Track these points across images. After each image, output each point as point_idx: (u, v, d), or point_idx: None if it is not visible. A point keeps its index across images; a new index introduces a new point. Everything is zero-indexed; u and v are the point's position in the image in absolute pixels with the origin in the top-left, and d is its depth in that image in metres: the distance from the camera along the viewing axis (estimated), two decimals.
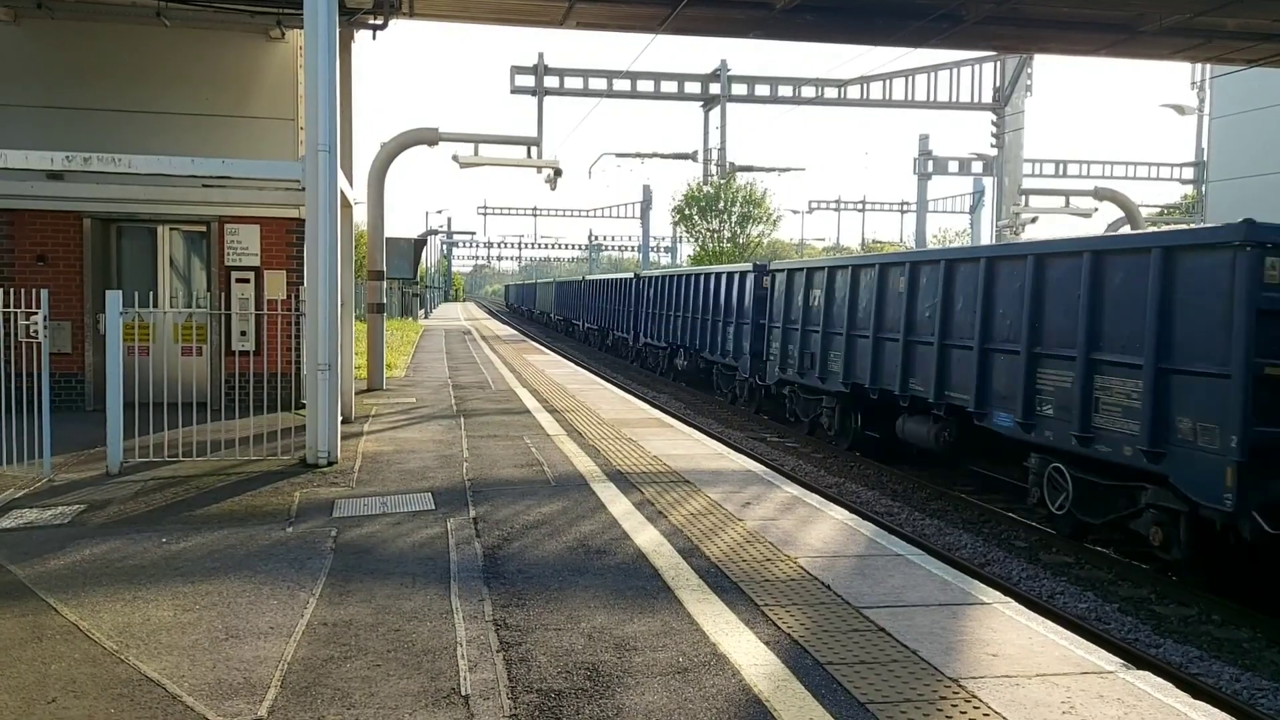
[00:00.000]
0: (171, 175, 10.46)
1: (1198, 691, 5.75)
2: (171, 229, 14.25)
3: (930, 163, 43.66)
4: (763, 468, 10.81)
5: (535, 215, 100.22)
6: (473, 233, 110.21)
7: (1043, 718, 4.35)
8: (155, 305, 12.29)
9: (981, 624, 5.60)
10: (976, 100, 32.48)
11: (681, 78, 30.11)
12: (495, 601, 5.84)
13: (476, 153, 18.37)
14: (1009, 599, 6.18)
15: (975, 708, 4.44)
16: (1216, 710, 4.60)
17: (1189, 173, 41.94)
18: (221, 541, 7.10)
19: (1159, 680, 4.89)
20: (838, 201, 77.83)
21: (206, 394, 13.61)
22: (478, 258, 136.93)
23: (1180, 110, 38.99)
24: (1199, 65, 33.83)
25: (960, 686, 4.67)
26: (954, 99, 32.21)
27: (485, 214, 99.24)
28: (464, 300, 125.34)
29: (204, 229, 14.05)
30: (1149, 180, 42.39)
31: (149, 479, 9.21)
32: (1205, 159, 33.22)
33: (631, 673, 4.78)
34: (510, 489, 9.05)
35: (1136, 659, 6.65)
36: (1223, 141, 26.47)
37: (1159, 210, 46.06)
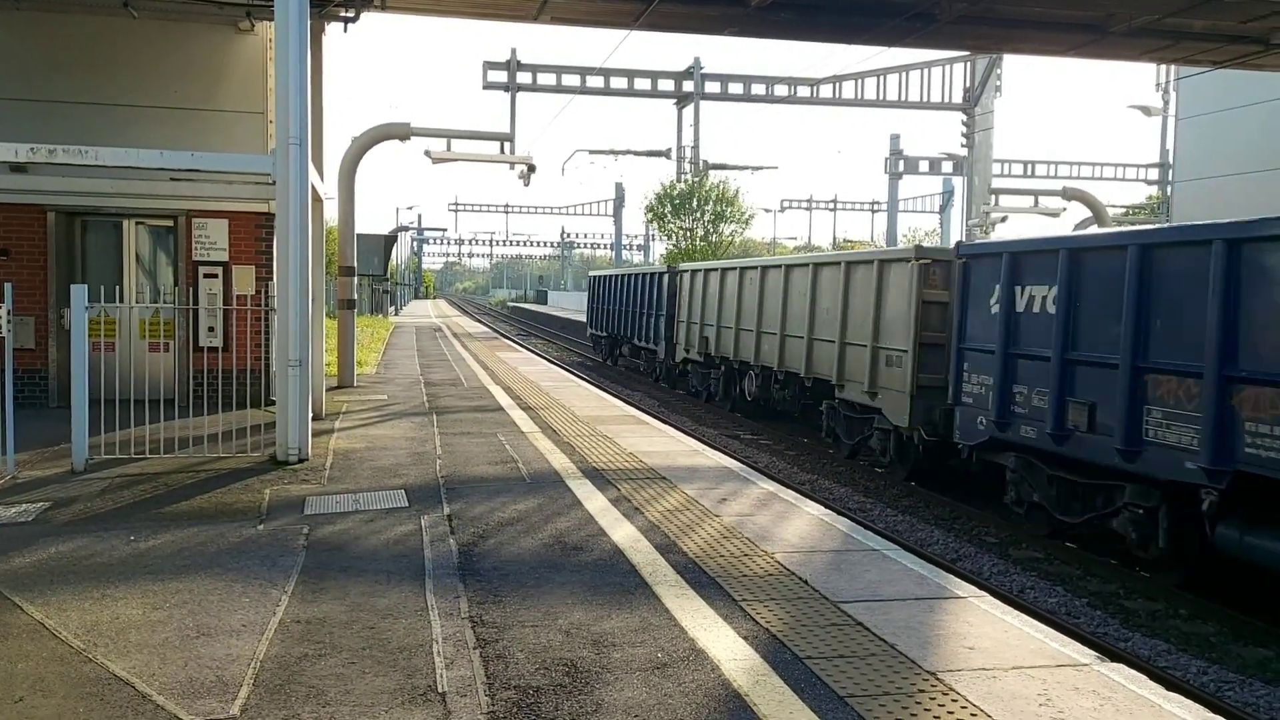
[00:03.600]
0: (139, 168, 10.31)
1: (1170, 684, 5.80)
2: (138, 223, 14.04)
3: (901, 162, 43.95)
4: (738, 464, 10.82)
5: (507, 212, 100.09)
6: (444, 229, 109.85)
7: (1020, 710, 4.37)
8: (121, 300, 12.10)
9: (957, 618, 5.62)
10: (947, 100, 32.78)
11: (655, 75, 30.14)
12: (471, 598, 5.79)
13: (449, 148, 18.28)
14: (983, 593, 6.21)
15: (954, 700, 4.45)
16: (1190, 701, 4.64)
17: (1154, 173, 42.49)
18: (191, 539, 6.99)
19: (1133, 672, 4.93)
20: (809, 200, 78.17)
21: (174, 390, 13.42)
22: (449, 254, 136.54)
23: (1147, 111, 39.52)
24: (1164, 67, 34.28)
25: (938, 680, 4.68)
26: (925, 99, 32.48)
27: (457, 210, 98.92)
28: (435, 297, 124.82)
29: (171, 223, 13.86)
30: (1115, 180, 42.98)
31: (115, 476, 9.07)
32: (1171, 160, 33.67)
33: (610, 669, 4.75)
34: (485, 486, 8.99)
35: (1108, 652, 6.70)
36: (1188, 142, 26.79)
37: (1125, 210, 46.60)
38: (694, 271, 22.79)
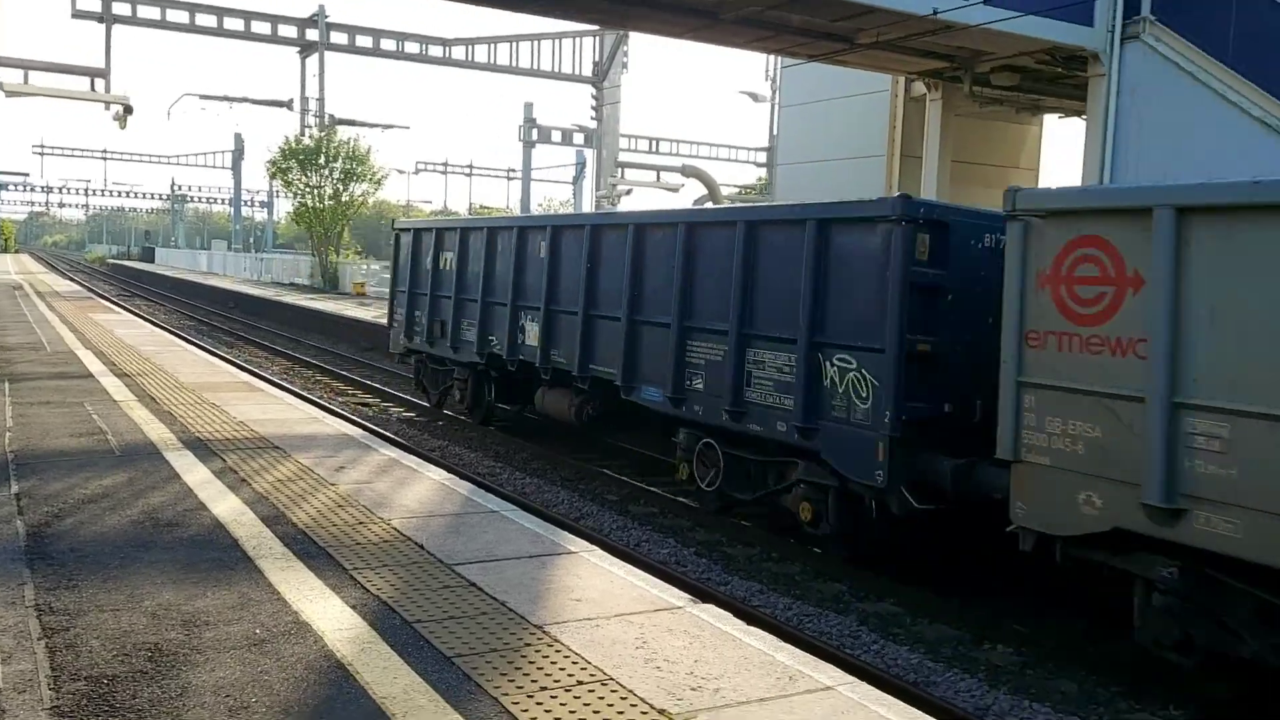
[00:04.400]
0: None
1: (751, 619, 6.37)
2: None
3: (535, 131, 44.54)
4: (361, 431, 10.51)
5: (105, 158, 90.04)
6: (26, 174, 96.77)
7: (618, 654, 4.59)
8: None
9: (569, 572, 5.81)
10: (578, 73, 33.70)
11: (275, 19, 28.28)
12: (39, 585, 5.15)
13: (26, 81, 16.04)
14: (595, 547, 6.47)
15: (558, 651, 4.58)
16: (765, 634, 5.12)
17: (762, 156, 46.41)
18: None
19: (720, 611, 5.35)
20: (445, 164, 77.53)
21: None
22: (34, 204, 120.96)
23: (755, 98, 43.05)
24: (771, 57, 37.40)
25: (545, 633, 4.80)
26: (556, 69, 33.16)
27: (42, 154, 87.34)
28: (16, 251, 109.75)
29: None
30: (730, 161, 46.47)
31: None
32: (775, 144, 36.85)
33: (200, 649, 4.41)
34: (65, 461, 8.04)
35: (702, 594, 7.25)
36: (789, 129, 29.35)
37: (739, 190, 50.56)
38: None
